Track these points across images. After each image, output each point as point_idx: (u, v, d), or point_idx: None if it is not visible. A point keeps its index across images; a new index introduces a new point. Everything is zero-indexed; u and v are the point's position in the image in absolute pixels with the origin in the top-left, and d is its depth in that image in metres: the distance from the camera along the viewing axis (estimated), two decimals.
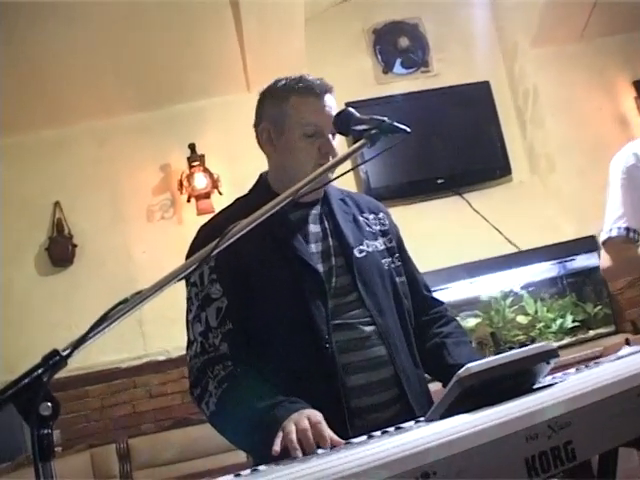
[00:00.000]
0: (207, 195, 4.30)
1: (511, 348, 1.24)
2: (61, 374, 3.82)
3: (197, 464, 3.78)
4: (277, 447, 1.25)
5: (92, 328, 1.07)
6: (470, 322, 3.97)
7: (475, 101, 4.76)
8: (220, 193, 4.29)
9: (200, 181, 4.28)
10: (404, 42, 4.83)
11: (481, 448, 1.01)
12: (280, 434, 1.28)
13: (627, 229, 2.11)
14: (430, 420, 1.18)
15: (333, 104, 1.63)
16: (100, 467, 3.96)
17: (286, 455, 1.23)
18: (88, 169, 4.39)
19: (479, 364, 1.15)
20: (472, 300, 4.17)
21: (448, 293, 4.06)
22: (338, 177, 1.52)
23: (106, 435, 4.16)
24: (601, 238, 2.18)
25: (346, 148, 1.49)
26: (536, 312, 3.99)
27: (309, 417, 1.30)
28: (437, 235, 4.48)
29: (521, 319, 4.00)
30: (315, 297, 1.56)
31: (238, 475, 1.05)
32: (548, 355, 1.20)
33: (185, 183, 4.31)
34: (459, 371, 1.14)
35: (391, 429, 1.23)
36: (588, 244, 4.02)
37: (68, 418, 4.15)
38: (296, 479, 0.93)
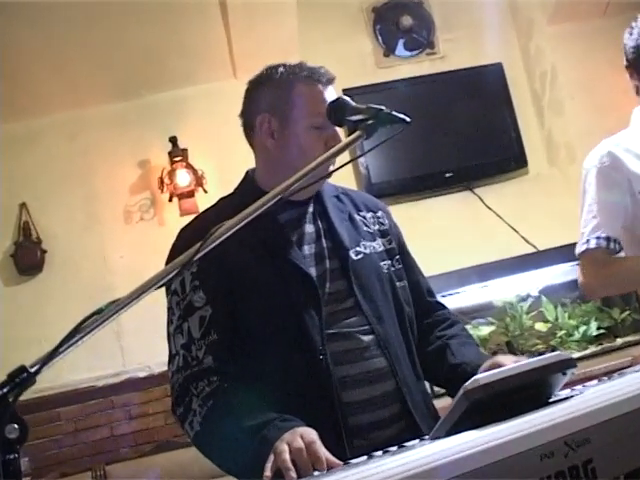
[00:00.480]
0: (191, 194, 4.32)
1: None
2: (29, 394, 3.84)
3: None
4: (269, 472, 1.26)
5: (63, 341, 1.09)
6: (483, 330, 3.97)
7: (486, 85, 4.77)
8: (205, 191, 4.31)
9: (183, 178, 4.29)
10: (407, 21, 4.83)
11: (490, 467, 1.02)
12: (272, 457, 1.28)
13: (607, 239, 2.08)
14: (435, 438, 1.19)
15: (335, 96, 1.65)
16: None
17: (279, 478, 1.24)
18: (58, 166, 4.40)
19: (488, 375, 1.17)
20: (485, 306, 4.17)
21: (458, 298, 4.08)
22: (335, 170, 1.55)
23: (81, 462, 4.15)
24: (577, 250, 2.17)
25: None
26: (556, 319, 3.99)
27: (302, 435, 1.30)
28: (445, 235, 4.49)
29: (540, 326, 4.01)
30: (307, 304, 1.57)
31: None
32: (564, 365, 1.22)
33: (166, 181, 4.32)
34: (466, 383, 1.15)
35: (393, 448, 1.25)
36: None
37: (37, 444, 4.14)
38: None
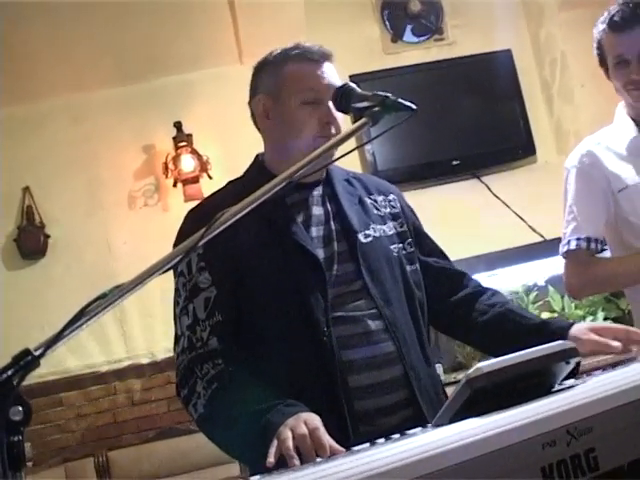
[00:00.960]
0: (195, 179, 4.33)
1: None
2: (31, 380, 3.88)
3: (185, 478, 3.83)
4: (272, 458, 1.26)
5: (67, 325, 1.09)
6: None
7: (495, 72, 4.75)
8: (210, 177, 4.32)
9: (187, 164, 4.30)
10: (415, 6, 4.81)
11: (491, 456, 1.03)
12: (275, 442, 1.29)
13: (587, 239, 2.09)
14: (438, 425, 1.20)
15: (333, 73, 1.67)
16: None
17: (282, 464, 1.25)
18: (62, 150, 4.41)
19: (491, 363, 1.17)
20: None
21: None
22: (340, 157, 1.55)
23: (83, 448, 4.21)
24: (560, 251, 2.19)
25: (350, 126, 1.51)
26: (563, 308, 4.00)
27: (306, 422, 1.31)
28: (452, 223, 4.48)
29: (546, 316, 4.01)
30: (313, 286, 1.58)
31: None
32: (567, 354, 1.23)
33: (171, 166, 4.34)
34: (469, 371, 1.16)
35: (396, 435, 1.25)
36: None
37: (40, 429, 4.20)
38: None
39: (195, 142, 4.37)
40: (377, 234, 1.70)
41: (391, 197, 1.83)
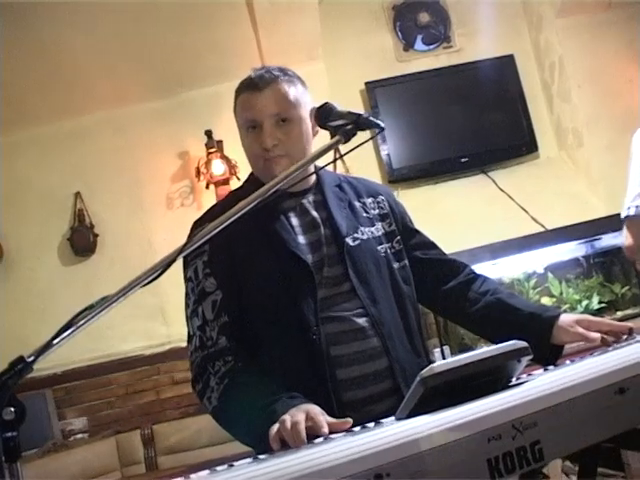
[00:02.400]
0: (226, 181, 4.34)
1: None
2: (85, 362, 3.97)
3: (220, 449, 3.85)
4: (275, 443, 1.27)
5: (57, 334, 1.11)
6: None
7: (499, 76, 4.68)
8: (238, 179, 4.32)
9: (218, 168, 4.32)
10: (424, 18, 4.77)
11: (438, 449, 1.01)
12: (275, 426, 1.30)
13: None
14: (399, 419, 1.19)
15: (278, 95, 1.62)
16: (125, 452, 4.08)
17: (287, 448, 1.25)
18: (107, 158, 4.47)
19: (443, 363, 1.15)
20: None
21: None
22: (318, 170, 1.58)
23: (131, 421, 4.28)
24: (622, 215, 2.16)
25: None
26: (561, 293, 3.93)
27: (307, 411, 1.31)
28: (462, 215, 4.45)
29: (545, 300, 3.94)
30: (303, 288, 1.57)
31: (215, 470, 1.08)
32: (519, 353, 1.20)
33: (203, 170, 4.36)
34: (422, 371, 1.14)
35: (371, 424, 1.25)
36: (617, 222, 3.89)
37: (94, 405, 4.29)
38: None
39: (225, 148, 4.37)
40: (365, 237, 1.68)
41: (380, 198, 1.79)
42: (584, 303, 3.88)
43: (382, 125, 1.39)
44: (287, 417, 1.30)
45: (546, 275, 4.01)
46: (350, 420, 1.27)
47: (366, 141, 1.41)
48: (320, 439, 1.23)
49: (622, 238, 2.19)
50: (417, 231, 1.83)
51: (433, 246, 1.82)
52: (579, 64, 4.43)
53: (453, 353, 3.80)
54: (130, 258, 4.28)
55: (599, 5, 4.34)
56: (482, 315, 1.70)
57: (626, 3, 4.29)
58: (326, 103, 1.52)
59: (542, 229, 4.26)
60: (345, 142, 1.40)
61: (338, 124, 1.42)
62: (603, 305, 3.91)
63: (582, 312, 3.88)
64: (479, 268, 3.96)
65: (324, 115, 1.49)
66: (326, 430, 1.24)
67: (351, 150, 1.45)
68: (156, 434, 4.14)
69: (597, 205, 4.36)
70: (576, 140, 4.53)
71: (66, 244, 4.41)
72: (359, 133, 1.40)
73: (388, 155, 4.60)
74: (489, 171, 4.64)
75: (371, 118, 1.41)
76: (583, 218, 4.17)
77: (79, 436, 4.13)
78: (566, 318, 1.61)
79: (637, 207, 2.10)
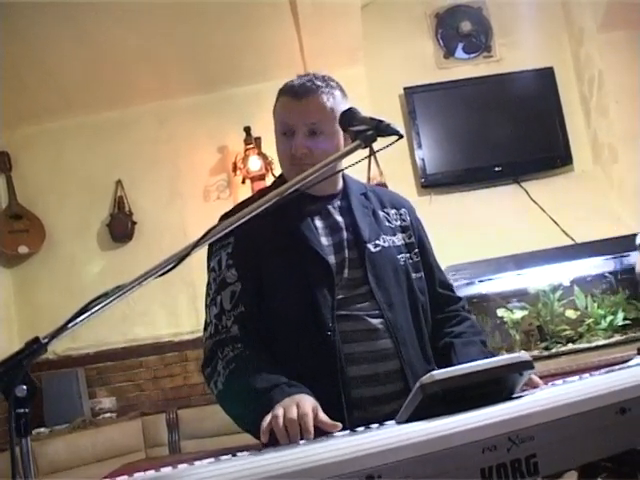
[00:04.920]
0: (262, 177, 4.36)
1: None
2: (119, 344, 4.03)
3: (242, 438, 3.87)
4: (264, 435, 1.28)
5: (71, 319, 1.11)
6: (517, 314, 3.89)
7: (538, 87, 4.61)
8: (274, 176, 4.31)
9: (254, 164, 4.33)
10: (466, 26, 4.72)
11: (431, 456, 1.01)
12: (267, 418, 1.31)
13: None
14: (399, 422, 1.18)
15: (316, 107, 1.63)
16: (150, 435, 4.13)
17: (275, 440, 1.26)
18: (148, 149, 4.52)
19: (444, 372, 1.15)
20: (520, 292, 4.08)
21: (497, 283, 4.00)
22: (335, 173, 1.59)
23: (157, 404, 4.33)
24: (637, 241, 2.10)
25: None
26: (586, 307, 3.86)
27: (299, 405, 1.32)
28: (492, 223, 4.40)
29: (570, 313, 3.88)
30: (322, 286, 1.58)
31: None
32: (520, 367, 1.18)
33: (240, 165, 4.37)
34: (422, 377, 1.14)
35: (375, 425, 1.25)
36: None
37: (123, 386, 4.35)
38: (236, 472, 0.96)
39: (262, 145, 4.38)
40: (386, 244, 1.69)
41: (402, 211, 1.80)
42: (608, 319, 3.80)
43: (401, 133, 1.38)
44: (280, 412, 1.30)
45: (572, 288, 3.95)
46: (339, 425, 1.27)
47: (382, 149, 1.41)
48: (321, 437, 1.23)
49: (637, 263, 2.13)
50: (428, 250, 1.82)
51: (438, 271, 1.83)
52: (618, 79, 4.34)
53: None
54: (165, 247, 4.30)
55: None
56: (439, 353, 1.71)
57: None
58: (350, 108, 1.52)
59: (571, 242, 4.19)
60: (365, 147, 1.40)
61: (360, 129, 1.42)
62: (627, 322, 3.82)
63: (606, 327, 3.80)
64: (504, 277, 3.96)
65: (347, 119, 1.50)
66: (310, 436, 1.25)
67: (364, 158, 1.45)
68: (181, 419, 4.18)
69: (628, 222, 4.26)
70: (611, 155, 4.44)
71: (105, 230, 4.47)
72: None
73: (423, 160, 4.57)
74: (522, 181, 4.58)
75: (391, 125, 1.40)
76: (613, 234, 4.09)
77: (107, 415, 4.19)
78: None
79: None
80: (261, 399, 1.38)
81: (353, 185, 1.77)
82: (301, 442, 1.24)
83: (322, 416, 1.30)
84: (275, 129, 1.68)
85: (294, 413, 1.29)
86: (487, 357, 1.60)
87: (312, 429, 1.27)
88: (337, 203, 1.72)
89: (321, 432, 1.27)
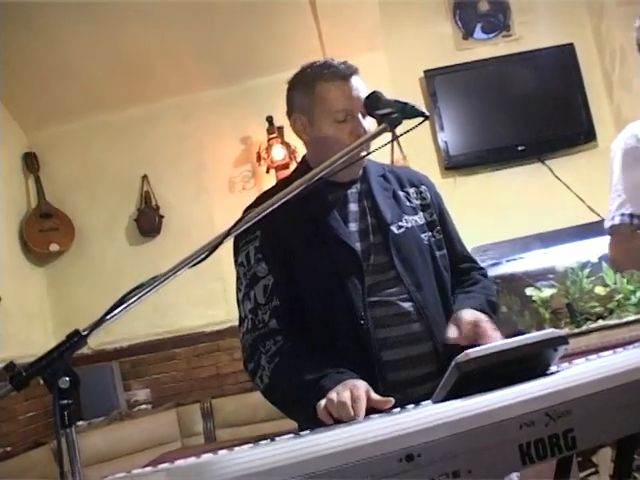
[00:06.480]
0: (286, 166, 4.35)
1: (520, 333, 1.20)
2: (150, 337, 4.06)
3: (276, 424, 3.89)
4: (324, 416, 1.31)
5: (109, 310, 1.14)
6: (546, 292, 3.86)
7: (559, 64, 4.53)
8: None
9: (278, 153, 4.33)
10: (484, 6, 4.66)
11: (469, 433, 1.01)
12: (322, 402, 1.33)
13: (631, 215, 1.99)
14: (436, 402, 1.19)
15: (361, 85, 1.63)
16: (185, 424, 4.18)
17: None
18: (173, 143, 4.55)
19: (478, 350, 1.15)
20: (548, 270, 4.04)
21: (524, 263, 3.97)
22: (364, 157, 1.57)
23: (192, 395, 4.37)
24: (605, 226, 2.07)
25: None
26: (615, 283, 3.81)
27: (352, 389, 1.33)
28: (518, 203, 4.38)
29: (599, 290, 3.82)
30: (351, 275, 1.58)
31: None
32: (555, 342, 1.18)
33: (264, 154, 4.38)
34: (458, 356, 1.14)
35: (411, 406, 1.26)
36: None
37: (158, 378, 4.40)
38: (277, 455, 0.97)
39: (285, 134, 4.37)
40: (409, 225, 1.69)
41: (422, 188, 1.79)
42: (638, 294, 3.74)
43: (427, 113, 1.38)
44: (334, 395, 1.32)
45: (600, 265, 3.90)
46: (392, 400, 1.30)
47: (410, 129, 1.40)
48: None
49: (608, 249, 2.10)
50: (450, 225, 1.82)
51: (460, 245, 1.83)
52: None
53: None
54: (193, 239, 4.31)
55: None
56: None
57: None
58: (374, 92, 1.52)
59: (598, 218, 4.14)
60: (391, 130, 1.40)
61: (385, 112, 1.41)
62: None
63: (637, 302, 3.76)
64: (531, 256, 3.91)
65: (372, 103, 1.49)
66: (361, 417, 1.26)
67: (388, 143, 1.44)
68: (215, 408, 4.23)
69: None
70: None
71: (133, 225, 4.51)
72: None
73: (445, 142, 4.54)
74: (546, 159, 4.53)
75: (416, 107, 1.40)
76: None
77: (143, 407, 4.25)
78: (462, 314, 1.56)
79: (622, 215, 2.00)
80: (312, 389, 1.40)
81: (372, 167, 1.76)
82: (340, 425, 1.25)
83: (374, 396, 1.32)
84: (320, 117, 1.63)
85: (347, 397, 1.31)
86: (484, 310, 1.61)
87: (363, 413, 1.28)
88: (358, 188, 1.71)
89: (377, 412, 1.28)
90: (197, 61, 4.32)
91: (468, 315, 1.54)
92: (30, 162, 4.48)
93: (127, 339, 4.37)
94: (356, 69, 1.64)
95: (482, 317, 1.54)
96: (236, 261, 1.68)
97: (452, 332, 1.51)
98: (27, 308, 4.28)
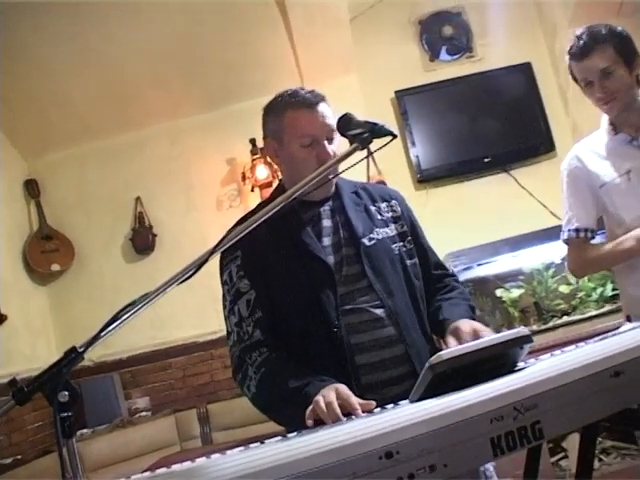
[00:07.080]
0: (269, 184, 4.34)
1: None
2: (148, 348, 4.03)
3: (268, 426, 3.87)
4: (309, 419, 1.30)
5: (104, 328, 1.13)
6: (514, 293, 3.89)
7: (518, 82, 4.60)
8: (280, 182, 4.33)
9: (261, 172, 4.33)
10: (448, 30, 4.72)
11: (444, 430, 1.02)
12: (311, 407, 1.32)
13: (577, 230, 2.06)
14: (412, 401, 1.19)
15: (327, 112, 1.63)
16: (183, 429, 4.15)
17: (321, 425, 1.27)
18: (163, 166, 4.53)
19: (450, 351, 1.15)
20: (516, 272, 4.07)
21: (494, 266, 3.99)
22: (335, 176, 1.58)
23: (188, 401, 4.33)
24: (561, 239, 2.15)
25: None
26: (577, 282, 3.85)
27: (337, 390, 1.34)
28: (486, 211, 4.41)
29: (563, 289, 3.87)
30: (324, 286, 1.58)
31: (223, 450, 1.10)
32: (520, 341, 1.19)
33: (248, 174, 4.38)
34: (431, 358, 1.14)
35: (390, 406, 1.27)
36: None
37: (155, 386, 4.37)
38: (265, 457, 0.97)
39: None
40: (380, 236, 1.68)
41: (393, 202, 1.79)
42: (599, 290, 3.79)
43: (395, 133, 1.38)
44: (320, 397, 1.32)
45: (563, 265, 3.93)
46: (373, 403, 1.29)
47: (380, 148, 1.40)
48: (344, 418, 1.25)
49: (567, 261, 2.19)
50: (420, 235, 1.82)
51: (431, 254, 1.82)
52: None
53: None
54: (185, 255, 4.25)
55: (609, 12, 4.20)
56: (431, 320, 1.69)
57: (635, 9, 4.17)
58: (346, 114, 1.51)
59: (559, 222, 4.17)
60: (362, 149, 1.40)
61: (356, 132, 1.42)
62: (616, 292, 3.80)
63: (597, 298, 3.79)
64: (500, 260, 3.94)
65: (344, 125, 1.49)
66: (359, 412, 1.26)
67: (358, 162, 1.44)
68: (211, 412, 4.20)
69: None
70: None
71: (128, 244, 4.49)
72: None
73: (417, 157, 4.58)
74: (510, 170, 4.59)
75: (385, 126, 1.40)
76: None
77: (143, 414, 4.21)
78: (459, 324, 1.55)
79: (569, 231, 2.08)
80: (297, 396, 1.40)
81: (344, 185, 1.76)
82: (325, 426, 1.25)
83: (357, 399, 1.32)
84: (289, 141, 1.62)
85: (333, 397, 1.31)
86: (472, 316, 1.62)
87: (357, 405, 1.29)
88: (330, 205, 1.71)
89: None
90: (183, 88, 4.32)
91: (466, 326, 1.52)
92: (31, 188, 4.46)
93: (126, 351, 4.34)
94: (323, 97, 1.64)
95: (478, 326, 1.53)
96: (221, 280, 1.68)
97: (452, 343, 1.49)
98: (31, 325, 4.24)
